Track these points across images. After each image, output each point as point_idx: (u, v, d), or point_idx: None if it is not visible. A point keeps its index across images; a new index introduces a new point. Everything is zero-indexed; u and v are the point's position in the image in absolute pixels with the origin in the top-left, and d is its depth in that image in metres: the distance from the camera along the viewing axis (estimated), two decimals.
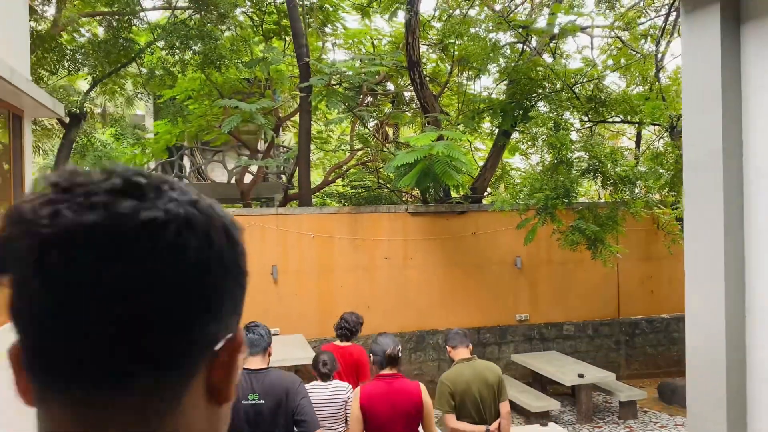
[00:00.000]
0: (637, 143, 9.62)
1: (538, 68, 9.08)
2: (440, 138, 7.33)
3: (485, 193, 10.49)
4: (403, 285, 9.24)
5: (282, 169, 15.13)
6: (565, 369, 8.37)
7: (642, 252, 10.03)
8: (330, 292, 9.09)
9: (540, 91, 8.72)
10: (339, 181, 14.22)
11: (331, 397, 4.58)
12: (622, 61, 9.77)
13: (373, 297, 9.14)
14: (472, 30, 8.78)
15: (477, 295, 9.54)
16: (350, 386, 4.64)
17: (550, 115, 8.12)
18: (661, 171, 7.83)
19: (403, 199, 12.23)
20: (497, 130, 10.11)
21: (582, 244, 8.16)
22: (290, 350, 7.91)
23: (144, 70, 9.08)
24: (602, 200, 9.71)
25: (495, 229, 9.61)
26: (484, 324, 9.57)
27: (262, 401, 3.33)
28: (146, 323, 0.52)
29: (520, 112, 9.10)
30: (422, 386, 3.85)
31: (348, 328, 5.44)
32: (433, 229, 9.45)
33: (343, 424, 4.56)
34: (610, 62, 10.40)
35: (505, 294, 9.70)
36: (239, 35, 10.05)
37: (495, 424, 4.19)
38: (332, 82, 9.17)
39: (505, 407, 4.14)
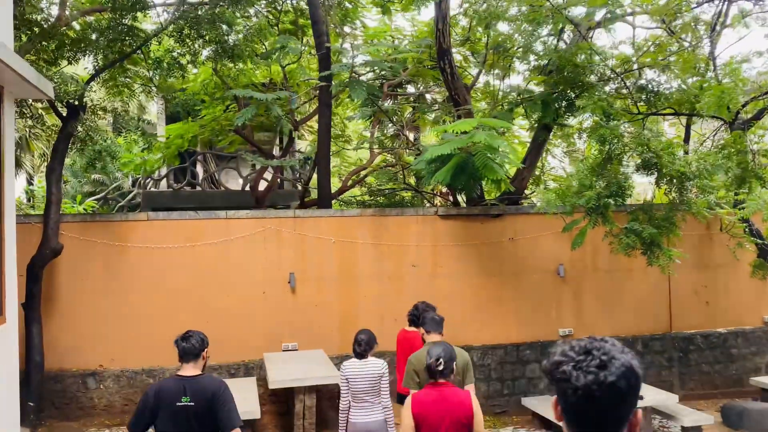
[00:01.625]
0: (686, 138, 8.70)
1: (581, 56, 8.21)
2: (479, 127, 6.46)
3: (524, 195, 9.62)
4: (432, 295, 8.26)
5: (298, 175, 14.37)
6: None
7: (695, 259, 9.06)
8: (352, 303, 8.22)
9: (587, 79, 7.84)
10: (358, 188, 13.41)
11: (366, 374, 5.12)
12: (669, 50, 8.87)
13: (400, 308, 8.18)
14: (511, 11, 7.96)
15: (515, 306, 8.62)
16: (385, 363, 5.15)
17: (601, 103, 7.23)
18: (729, 165, 6.91)
19: (432, 201, 11.38)
20: (534, 125, 9.23)
21: (637, 249, 7.24)
22: (310, 367, 7.05)
23: (151, 62, 8.32)
24: (650, 201, 8.77)
25: (535, 234, 8.71)
26: (524, 339, 8.63)
27: (192, 403, 3.75)
28: (625, 415, 1.51)
29: (564, 103, 8.24)
30: (473, 394, 3.96)
31: (416, 315, 5.78)
32: (466, 234, 8.57)
33: (378, 397, 5.10)
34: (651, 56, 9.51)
35: (546, 306, 8.77)
36: (254, 26, 9.27)
37: None
38: (355, 71, 8.36)
39: (470, 390, 4.24)
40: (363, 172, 12.54)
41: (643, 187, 11.72)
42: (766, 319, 9.45)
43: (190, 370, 3.90)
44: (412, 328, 5.92)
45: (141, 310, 7.58)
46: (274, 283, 7.93)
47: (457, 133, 6.48)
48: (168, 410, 3.76)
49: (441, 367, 3.81)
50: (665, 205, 7.60)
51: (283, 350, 7.90)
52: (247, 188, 13.22)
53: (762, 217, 7.98)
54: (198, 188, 14.29)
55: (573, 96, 8.04)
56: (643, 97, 7.83)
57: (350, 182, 12.47)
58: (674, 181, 7.30)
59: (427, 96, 13.26)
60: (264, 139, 14.22)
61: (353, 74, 8.21)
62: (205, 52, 9.00)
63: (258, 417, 6.42)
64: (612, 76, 7.83)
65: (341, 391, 5.24)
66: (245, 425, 4.51)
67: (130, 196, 16.54)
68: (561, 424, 1.56)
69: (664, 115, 8.11)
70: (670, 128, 11.77)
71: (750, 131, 7.15)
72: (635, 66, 7.95)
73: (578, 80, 7.91)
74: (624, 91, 7.82)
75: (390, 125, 12.42)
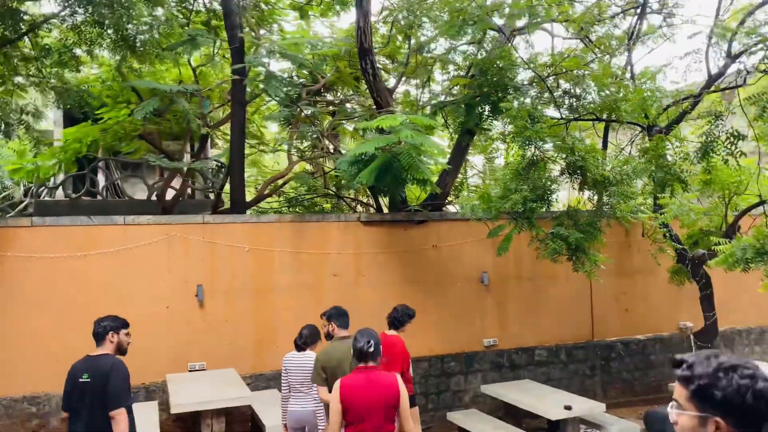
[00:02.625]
0: (604, 146, 8.73)
1: (504, 61, 8.07)
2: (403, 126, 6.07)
3: (447, 200, 9.35)
4: (355, 305, 7.77)
5: (211, 184, 13.53)
6: (545, 400, 7.19)
7: (615, 266, 9.07)
8: (268, 317, 7.60)
9: (511, 83, 7.68)
10: (275, 197, 12.75)
11: (301, 365, 5.49)
12: (590, 56, 8.92)
13: (320, 320, 7.70)
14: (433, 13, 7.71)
15: (439, 317, 8.28)
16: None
17: (526, 106, 7.07)
18: (651, 169, 6.89)
19: (354, 208, 10.92)
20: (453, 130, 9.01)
21: (563, 254, 7.09)
22: (219, 389, 6.37)
23: (39, 49, 7.41)
24: (574, 207, 8.71)
25: (459, 241, 8.43)
26: (448, 351, 8.30)
27: (89, 380, 4.08)
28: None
29: (487, 107, 8.05)
30: (399, 378, 3.98)
31: (397, 318, 6.03)
32: (390, 241, 8.17)
33: (313, 387, 5.20)
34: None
35: (470, 315, 8.49)
36: (162, 16, 8.53)
37: None
38: (272, 70, 7.83)
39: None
40: (280, 181, 11.93)
41: (564, 194, 11.80)
42: (681, 325, 9.61)
43: (97, 350, 4.27)
44: (392, 331, 6.04)
45: (22, 328, 6.63)
46: (179, 297, 7.18)
47: (381, 129, 6.08)
48: (73, 386, 4.13)
49: (372, 349, 3.90)
50: (590, 211, 7.52)
51: (190, 370, 7.15)
52: (154, 197, 12.29)
53: (680, 223, 8.09)
54: (99, 197, 13.16)
55: (497, 99, 7.86)
56: (566, 101, 7.76)
57: (267, 191, 11.83)
58: (597, 186, 7.23)
59: (348, 106, 12.88)
60: (174, 149, 13.32)
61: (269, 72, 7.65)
62: (105, 45, 8.20)
63: None
64: (536, 80, 7.70)
65: (282, 381, 5.66)
66: None
67: (21, 206, 15.05)
68: None
69: (586, 120, 8.07)
70: (586, 139, 11.94)
71: (668, 138, 7.19)
72: (557, 71, 7.88)
73: (502, 84, 7.73)
74: (546, 95, 7.70)
75: (309, 133, 11.91)
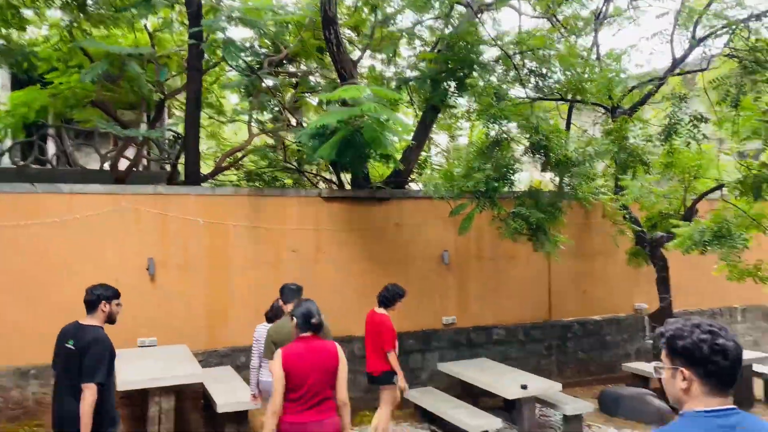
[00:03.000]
0: (567, 127, 8.68)
1: (470, 37, 7.91)
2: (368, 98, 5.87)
3: (410, 178, 9.21)
4: (314, 283, 7.65)
5: (167, 155, 13.08)
6: (502, 379, 7.20)
7: (574, 248, 9.06)
8: (223, 292, 7.38)
9: (478, 59, 7.53)
10: (233, 171, 12.39)
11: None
12: (556, 36, 8.84)
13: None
14: None
15: None
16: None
17: (492, 83, 6.94)
18: (615, 150, 6.86)
19: (315, 184, 10.70)
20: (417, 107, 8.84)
21: (524, 234, 7.05)
22: (169, 365, 6.14)
23: None
24: (536, 187, 8.67)
25: (421, 220, 8.32)
26: (408, 329, 8.22)
27: (73, 347, 4.10)
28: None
29: (453, 83, 7.90)
30: (338, 346, 4.10)
31: (387, 297, 6.10)
32: (351, 218, 8.01)
33: None
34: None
35: (430, 294, 8.42)
36: None
37: None
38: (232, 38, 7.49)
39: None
40: (239, 153, 11.58)
41: (526, 175, 11.80)
42: (636, 307, 9.76)
43: (87, 319, 4.27)
44: (381, 310, 6.10)
45: None
46: (129, 270, 6.89)
47: (344, 102, 5.87)
48: (60, 350, 4.21)
49: (318, 321, 4.03)
50: (552, 192, 7.49)
51: (140, 346, 6.91)
52: (107, 167, 11.81)
53: (640, 205, 8.14)
54: (48, 166, 12.60)
55: (463, 75, 7.71)
56: (532, 80, 7.67)
57: (225, 163, 11.48)
58: (560, 167, 7.18)
59: (311, 79, 12.54)
60: (129, 118, 12.79)
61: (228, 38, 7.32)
62: (56, 4, 7.73)
63: None
64: (503, 57, 7.58)
65: (252, 352, 5.80)
66: None
67: None
68: (686, 396, 1.89)
69: (551, 100, 8.00)
70: (550, 120, 11.93)
71: (632, 119, 7.18)
72: (524, 49, 7.76)
73: (469, 60, 7.58)
74: (513, 73, 7.60)
75: (270, 105, 11.56)
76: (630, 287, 9.72)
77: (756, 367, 8.40)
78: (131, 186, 7.22)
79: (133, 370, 5.90)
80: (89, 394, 3.96)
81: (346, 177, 9.05)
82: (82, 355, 4.02)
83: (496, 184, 6.89)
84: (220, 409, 5.91)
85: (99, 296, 4.26)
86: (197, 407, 6.87)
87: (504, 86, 7.34)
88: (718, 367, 1.82)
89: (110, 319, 4.35)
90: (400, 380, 6.04)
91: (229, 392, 6.23)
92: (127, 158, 10.98)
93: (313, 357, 3.89)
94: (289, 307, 5.22)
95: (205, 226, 7.27)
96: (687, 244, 5.84)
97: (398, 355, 8.30)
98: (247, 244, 7.49)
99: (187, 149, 7.90)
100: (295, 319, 4.02)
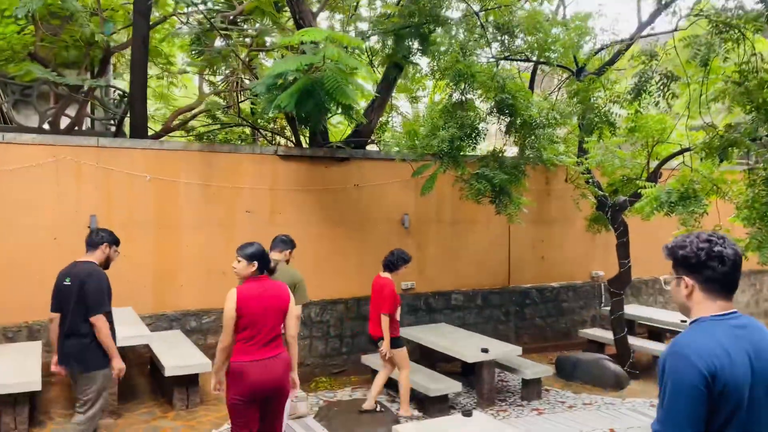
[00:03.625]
0: (531, 85, 8.49)
1: None
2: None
3: (371, 139, 8.91)
4: (268, 245, 7.36)
5: (112, 115, 12.36)
6: (462, 343, 7.08)
7: (534, 214, 8.98)
8: (172, 253, 6.99)
9: (443, 13, 7.25)
10: (183, 132, 11.79)
11: None
12: None
13: (231, 260, 7.16)
14: None
15: (358, 259, 7.95)
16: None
17: (458, 39, 6.68)
18: (581, 111, 6.73)
19: (272, 141, 10.27)
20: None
21: (487, 196, 6.88)
22: (116, 328, 5.75)
23: None
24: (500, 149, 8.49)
25: (382, 182, 8.06)
26: (365, 293, 7.95)
27: (70, 284, 4.28)
28: None
29: (417, 40, 7.60)
30: (287, 286, 4.27)
31: (392, 261, 6.09)
32: (308, 178, 7.68)
33: None
34: None
35: None
36: None
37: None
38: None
39: (296, 310, 4.36)
40: (189, 114, 11.00)
41: (489, 141, 11.65)
42: (593, 274, 9.80)
43: (85, 256, 4.42)
44: (386, 274, 6.08)
45: None
46: (69, 228, 6.41)
47: (303, 53, 5.50)
48: (58, 290, 4.33)
49: (275, 264, 4.37)
50: (515, 155, 7.33)
51: None
52: (46, 126, 11.07)
53: (601, 171, 8.08)
54: None
55: (427, 32, 7.42)
56: (498, 38, 7.44)
57: (175, 122, 10.90)
58: (524, 128, 7.01)
59: (267, 39, 12.01)
60: (69, 71, 12.01)
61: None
62: None
63: (39, 389, 5.07)
64: (469, 13, 7.31)
65: None
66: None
67: None
68: (691, 302, 2.02)
69: (517, 60, 7.81)
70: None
71: (599, 79, 7.04)
72: (490, 6, 7.52)
73: (433, 15, 7.29)
74: (479, 30, 7.34)
75: (222, 62, 10.98)
76: (588, 255, 9.75)
77: None
78: (71, 137, 6.71)
79: None
80: (101, 324, 4.23)
81: (305, 135, 8.69)
82: (80, 288, 4.20)
83: (461, 143, 6.68)
84: (168, 373, 5.58)
85: (103, 237, 4.47)
86: (143, 372, 6.53)
87: (470, 43, 7.07)
88: (716, 272, 1.94)
89: (106, 263, 4.51)
90: (384, 344, 5.85)
91: (177, 356, 5.90)
92: (68, 116, 10.30)
93: (269, 298, 4.02)
94: (275, 255, 5.30)
95: (153, 183, 6.82)
96: (653, 205, 5.77)
97: (354, 321, 8.11)
98: (198, 202, 7.09)
99: (132, 99, 7.38)
100: (255, 261, 4.10)
